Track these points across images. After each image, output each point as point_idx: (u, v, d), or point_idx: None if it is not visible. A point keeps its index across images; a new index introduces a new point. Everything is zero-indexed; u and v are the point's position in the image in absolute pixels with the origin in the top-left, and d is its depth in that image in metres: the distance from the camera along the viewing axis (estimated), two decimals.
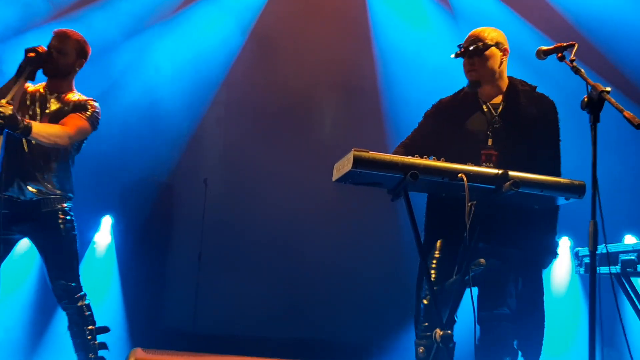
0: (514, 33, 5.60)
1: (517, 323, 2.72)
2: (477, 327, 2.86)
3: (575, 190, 2.42)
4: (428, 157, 2.39)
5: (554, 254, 2.78)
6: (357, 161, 2.23)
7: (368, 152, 2.26)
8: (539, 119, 2.77)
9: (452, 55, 2.87)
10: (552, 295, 5.72)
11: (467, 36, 2.87)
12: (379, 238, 6.09)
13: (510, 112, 2.79)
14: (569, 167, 2.77)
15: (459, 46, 2.86)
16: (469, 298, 2.44)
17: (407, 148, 2.88)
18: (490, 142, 2.75)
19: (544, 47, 2.58)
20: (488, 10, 5.88)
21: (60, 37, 3.31)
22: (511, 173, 2.36)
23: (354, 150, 2.25)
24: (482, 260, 2.47)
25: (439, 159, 2.38)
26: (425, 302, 2.69)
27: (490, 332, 2.85)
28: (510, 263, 2.71)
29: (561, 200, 2.47)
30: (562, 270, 5.96)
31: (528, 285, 2.74)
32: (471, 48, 2.78)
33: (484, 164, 2.67)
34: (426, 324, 2.64)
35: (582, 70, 2.41)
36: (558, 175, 2.70)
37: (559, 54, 2.51)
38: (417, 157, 2.35)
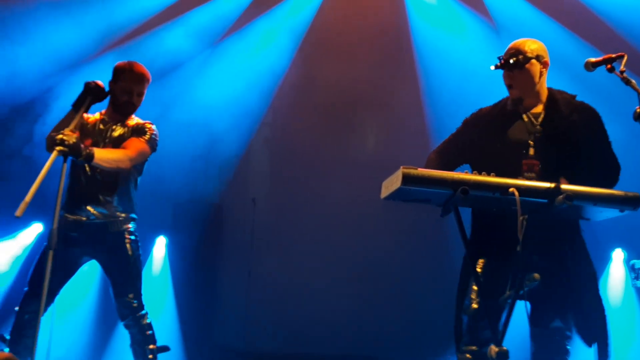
0: (558, 44, 5.57)
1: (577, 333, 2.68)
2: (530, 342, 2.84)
3: (630, 202, 2.37)
4: (467, 170, 2.39)
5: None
6: (407, 178, 2.23)
7: (417, 169, 2.25)
8: (581, 127, 2.73)
9: (492, 67, 2.87)
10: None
11: (508, 48, 2.86)
12: (427, 254, 6.06)
13: (551, 121, 2.77)
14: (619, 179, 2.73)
15: (499, 58, 2.86)
16: (520, 312, 2.43)
17: (441, 154, 2.89)
18: (532, 151, 2.72)
19: (593, 59, 2.56)
20: (531, 21, 5.84)
21: (140, 80, 3.44)
22: (563, 186, 2.31)
23: (403, 168, 2.24)
24: (536, 275, 2.44)
25: (475, 169, 2.38)
26: (467, 315, 2.65)
27: (544, 347, 2.82)
28: (561, 276, 2.68)
29: (615, 213, 2.43)
30: (616, 282, 5.80)
31: (586, 296, 2.70)
32: (511, 61, 2.77)
33: (525, 173, 2.65)
34: (468, 337, 2.61)
35: (633, 81, 2.39)
36: (616, 177, 2.67)
37: (609, 65, 2.49)
38: (466, 172, 2.35)
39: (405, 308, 6.06)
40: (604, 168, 2.71)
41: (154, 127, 3.51)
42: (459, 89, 5.84)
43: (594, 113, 2.80)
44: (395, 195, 2.37)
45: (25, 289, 3.31)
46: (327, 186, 6.19)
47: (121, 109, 3.43)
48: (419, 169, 2.28)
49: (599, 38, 5.45)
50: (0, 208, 5.17)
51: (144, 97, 3.50)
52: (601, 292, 2.77)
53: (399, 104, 6.36)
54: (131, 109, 3.45)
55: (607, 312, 2.73)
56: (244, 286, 6.11)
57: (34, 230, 5.71)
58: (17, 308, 3.29)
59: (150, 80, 3.52)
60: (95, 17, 5.83)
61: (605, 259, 5.79)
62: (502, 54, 2.85)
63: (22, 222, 5.66)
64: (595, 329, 2.67)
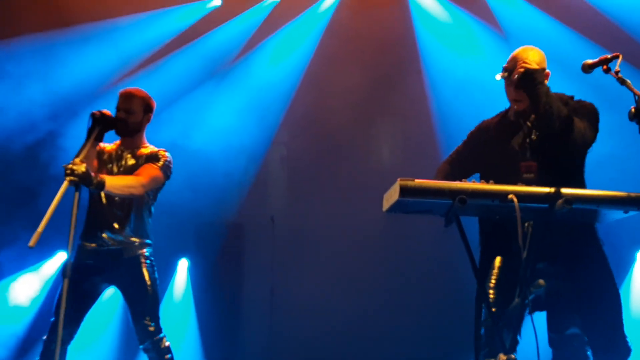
0: (569, 48, 5.52)
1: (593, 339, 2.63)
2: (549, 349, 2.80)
3: (634, 202, 2.33)
4: (475, 180, 2.38)
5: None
6: (404, 190, 2.23)
7: (414, 180, 2.24)
8: (572, 122, 2.69)
9: (497, 77, 2.88)
10: (631, 311, 5.44)
11: (512, 58, 2.86)
12: (452, 266, 6.00)
13: (542, 121, 2.75)
14: (621, 179, 2.70)
15: (504, 68, 2.87)
16: (533, 320, 2.40)
17: (452, 164, 2.95)
18: (528, 153, 2.74)
19: (589, 61, 2.56)
20: (541, 28, 5.80)
21: (127, 98, 3.52)
22: (563, 190, 2.29)
23: (400, 180, 2.24)
24: (541, 281, 2.42)
25: (483, 178, 2.38)
26: (485, 327, 2.63)
27: (563, 354, 2.79)
28: (573, 281, 2.64)
29: (619, 214, 2.40)
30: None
31: (602, 298, 2.65)
32: (521, 82, 2.71)
33: (524, 175, 2.65)
34: (487, 349, 2.60)
35: (629, 80, 2.38)
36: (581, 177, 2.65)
37: (604, 67, 2.49)
38: (464, 181, 2.35)
39: (431, 321, 6.00)
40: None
41: (167, 154, 3.56)
42: (469, 99, 5.83)
43: (590, 107, 2.79)
44: (395, 208, 2.37)
45: (52, 319, 3.38)
46: (345, 201, 6.20)
47: (118, 129, 3.45)
48: (417, 180, 2.26)
49: (609, 40, 5.39)
50: (26, 238, 5.32)
51: (138, 116, 3.51)
52: (618, 296, 2.71)
53: (412, 115, 6.37)
54: (123, 126, 3.46)
55: (624, 317, 2.67)
56: (267, 304, 6.13)
57: (59, 258, 5.85)
58: (44, 337, 3.36)
59: (142, 97, 3.54)
60: (107, 50, 6.00)
61: (629, 260, 5.65)
62: (506, 63, 2.86)
63: (48, 252, 5.80)
64: (607, 337, 2.61)
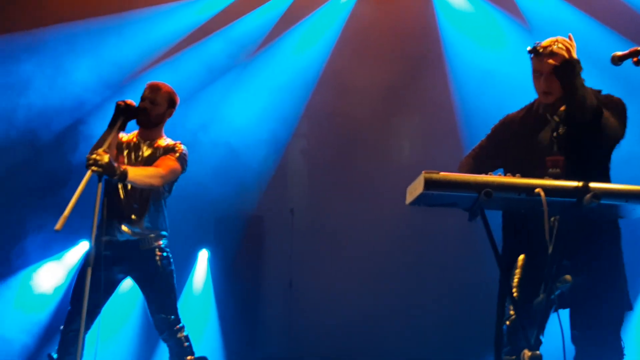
0: (595, 41, 5.42)
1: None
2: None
3: None
4: (501, 173, 2.35)
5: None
6: (429, 183, 2.19)
7: (439, 173, 2.21)
8: (603, 116, 2.63)
9: (529, 48, 2.77)
10: None
11: (547, 44, 2.74)
12: (474, 260, 5.95)
13: (574, 113, 2.70)
14: None
15: (537, 46, 2.77)
16: (558, 317, 2.36)
17: (475, 159, 2.90)
18: (555, 147, 2.69)
19: (619, 53, 2.49)
20: (565, 19, 5.71)
21: (153, 89, 3.56)
22: (592, 184, 2.24)
23: (425, 173, 2.21)
24: (568, 277, 2.39)
25: (508, 171, 2.34)
26: (507, 323, 2.60)
27: (585, 351, 2.74)
28: (587, 277, 2.60)
29: None
30: None
31: (606, 298, 2.61)
32: (559, 70, 2.64)
33: (550, 170, 2.60)
34: (509, 347, 2.56)
35: None
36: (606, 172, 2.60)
37: (635, 59, 2.43)
38: (490, 174, 2.31)
39: (451, 315, 5.97)
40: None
41: (183, 147, 3.61)
42: (493, 93, 5.76)
43: (618, 102, 2.73)
44: (419, 201, 2.33)
45: (69, 308, 3.44)
46: (364, 195, 6.19)
47: (139, 119, 3.45)
48: (441, 172, 2.24)
49: (635, 32, 5.28)
50: (47, 227, 5.41)
51: (161, 109, 3.55)
52: (623, 301, 2.64)
53: (434, 108, 6.32)
54: (145, 116, 3.47)
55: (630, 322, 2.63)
56: (285, 296, 6.15)
57: (82, 248, 5.91)
58: (62, 327, 3.41)
59: (168, 91, 3.59)
60: (124, 42, 6.03)
61: None
62: (539, 42, 2.77)
63: (70, 241, 5.87)
64: (600, 337, 2.57)
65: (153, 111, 3.53)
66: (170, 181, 3.56)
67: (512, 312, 2.61)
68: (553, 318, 2.45)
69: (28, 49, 5.80)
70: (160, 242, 3.55)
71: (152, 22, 6.16)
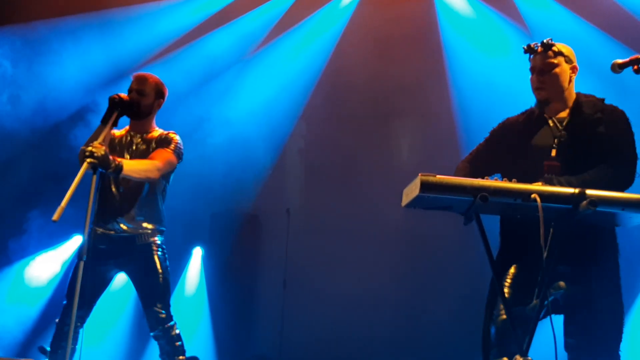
0: (595, 48, 5.42)
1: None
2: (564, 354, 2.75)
3: None
4: (498, 178, 2.34)
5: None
6: (425, 186, 2.20)
7: (435, 176, 2.22)
8: (606, 128, 2.66)
9: (525, 47, 2.83)
10: None
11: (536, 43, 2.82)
12: (469, 263, 5.95)
13: (575, 125, 2.72)
14: None
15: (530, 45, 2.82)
16: (551, 323, 2.35)
17: (471, 163, 2.88)
18: (554, 153, 2.68)
19: (619, 61, 2.51)
20: (566, 26, 5.71)
21: (140, 80, 3.54)
22: (588, 191, 2.25)
23: (421, 175, 2.22)
24: (562, 283, 2.37)
25: (505, 176, 2.33)
26: (496, 326, 2.58)
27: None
28: (583, 284, 2.59)
29: None
30: None
31: (602, 306, 2.60)
32: (546, 60, 2.73)
33: (546, 175, 2.60)
34: (497, 349, 2.55)
35: None
36: (629, 184, 2.58)
37: (635, 66, 2.43)
38: (486, 178, 2.30)
39: (447, 318, 5.96)
40: (618, 165, 2.61)
41: (177, 136, 3.58)
42: (493, 98, 5.75)
43: (621, 114, 2.74)
44: (415, 203, 2.34)
45: (64, 301, 3.42)
46: (361, 195, 6.18)
47: (130, 112, 3.40)
48: (438, 175, 2.24)
49: (636, 40, 5.29)
50: (42, 221, 5.40)
51: (150, 99, 3.52)
52: (621, 310, 2.63)
53: (432, 112, 6.32)
54: (133, 108, 3.40)
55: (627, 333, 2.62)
56: (279, 297, 6.13)
57: (75, 242, 5.90)
58: (57, 320, 3.39)
59: (156, 82, 3.56)
60: (117, 41, 6.01)
61: None
62: (537, 42, 2.81)
63: (64, 234, 5.85)
64: (600, 347, 2.56)
65: (142, 101, 3.50)
66: (167, 173, 3.53)
67: (502, 316, 2.59)
68: (544, 325, 2.44)
69: (27, 44, 5.79)
70: (156, 238, 3.53)
71: (151, 19, 6.14)
